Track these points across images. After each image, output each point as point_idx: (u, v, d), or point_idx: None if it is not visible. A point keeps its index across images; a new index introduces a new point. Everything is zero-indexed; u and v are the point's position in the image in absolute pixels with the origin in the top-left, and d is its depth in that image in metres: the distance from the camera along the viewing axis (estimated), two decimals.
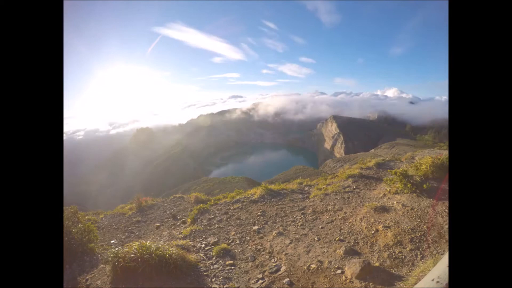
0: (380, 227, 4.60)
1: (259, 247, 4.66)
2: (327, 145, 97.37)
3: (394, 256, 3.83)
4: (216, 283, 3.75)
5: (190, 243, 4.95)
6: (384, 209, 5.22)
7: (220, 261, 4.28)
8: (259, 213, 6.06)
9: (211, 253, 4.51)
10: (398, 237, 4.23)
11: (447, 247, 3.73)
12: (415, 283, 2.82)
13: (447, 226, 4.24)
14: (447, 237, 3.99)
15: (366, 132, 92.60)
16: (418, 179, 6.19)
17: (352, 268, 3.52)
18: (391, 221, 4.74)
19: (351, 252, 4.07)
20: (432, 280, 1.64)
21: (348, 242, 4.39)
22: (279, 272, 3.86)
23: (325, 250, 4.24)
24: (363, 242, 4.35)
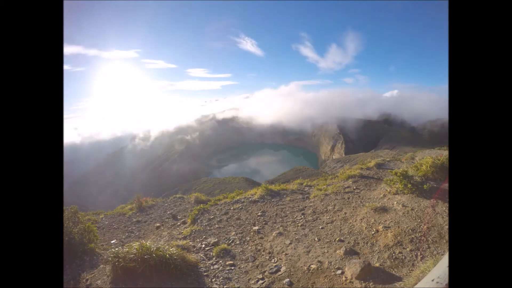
0: (380, 227, 4.60)
1: (259, 247, 4.66)
2: (327, 145, 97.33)
3: (394, 257, 3.83)
4: (216, 284, 3.74)
5: (190, 243, 4.95)
6: (384, 210, 5.21)
7: (220, 261, 4.28)
8: (259, 214, 6.06)
9: (211, 253, 4.51)
10: (398, 237, 4.22)
11: (447, 247, 3.73)
12: (415, 284, 2.82)
13: (447, 227, 4.24)
14: (447, 237, 3.99)
15: (366, 132, 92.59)
16: (419, 179, 6.19)
17: (352, 268, 3.52)
18: (391, 221, 4.74)
19: (351, 253, 4.07)
20: (432, 280, 1.64)
21: (348, 243, 4.39)
22: (279, 273, 3.85)
23: (325, 251, 4.24)
24: (363, 242, 4.35)
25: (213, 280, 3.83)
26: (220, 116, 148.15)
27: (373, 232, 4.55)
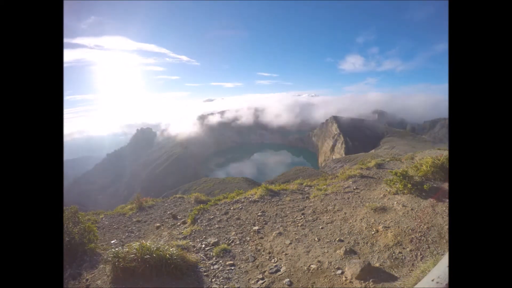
0: (380, 227, 4.60)
1: (259, 247, 4.66)
2: (327, 145, 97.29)
3: (394, 257, 3.83)
4: (216, 284, 3.75)
5: (190, 243, 4.95)
6: (384, 210, 5.21)
7: (220, 261, 4.28)
8: (259, 214, 6.06)
9: (211, 253, 4.51)
10: (398, 237, 4.22)
11: (447, 247, 3.73)
12: (415, 284, 2.82)
13: (447, 227, 4.24)
14: (447, 237, 3.99)
15: (366, 132, 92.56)
16: (418, 179, 6.19)
17: (352, 268, 3.52)
18: (391, 221, 4.74)
19: (351, 253, 4.07)
20: (432, 280, 1.64)
21: (348, 243, 4.39)
22: (279, 273, 3.85)
23: (325, 251, 4.24)
24: (363, 242, 4.35)
25: (213, 280, 3.83)
26: (221, 116, 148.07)
27: (373, 232, 4.55)
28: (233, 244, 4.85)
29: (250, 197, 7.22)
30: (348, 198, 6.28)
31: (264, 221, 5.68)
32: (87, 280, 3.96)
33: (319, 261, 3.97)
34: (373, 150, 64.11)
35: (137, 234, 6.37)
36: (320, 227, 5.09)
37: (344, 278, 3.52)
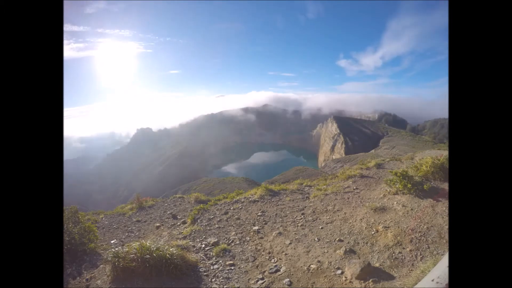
0: (380, 227, 4.60)
1: (259, 247, 4.66)
2: (327, 145, 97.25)
3: (394, 257, 3.83)
4: (216, 283, 3.75)
5: (190, 243, 4.95)
6: (384, 210, 5.21)
7: (220, 261, 4.28)
8: (259, 214, 6.06)
9: (211, 253, 4.52)
10: (398, 237, 4.22)
11: (447, 247, 3.73)
12: (415, 284, 2.82)
13: (447, 227, 4.24)
14: (447, 237, 3.99)
15: (366, 132, 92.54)
16: (418, 179, 6.18)
17: (352, 268, 3.52)
18: (391, 221, 4.74)
19: (351, 253, 4.07)
20: (432, 280, 1.64)
21: (348, 243, 4.39)
22: (279, 273, 3.86)
23: (325, 251, 4.24)
24: (363, 242, 4.35)
25: (213, 280, 3.83)
26: (220, 116, 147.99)
27: (373, 232, 4.55)
28: (233, 244, 4.85)
29: (250, 197, 7.22)
30: (348, 198, 6.29)
31: (264, 221, 5.69)
32: (87, 279, 3.97)
33: (319, 261, 3.97)
34: (373, 150, 64.15)
35: (137, 234, 6.37)
36: (320, 227, 5.09)
37: (344, 278, 3.52)
